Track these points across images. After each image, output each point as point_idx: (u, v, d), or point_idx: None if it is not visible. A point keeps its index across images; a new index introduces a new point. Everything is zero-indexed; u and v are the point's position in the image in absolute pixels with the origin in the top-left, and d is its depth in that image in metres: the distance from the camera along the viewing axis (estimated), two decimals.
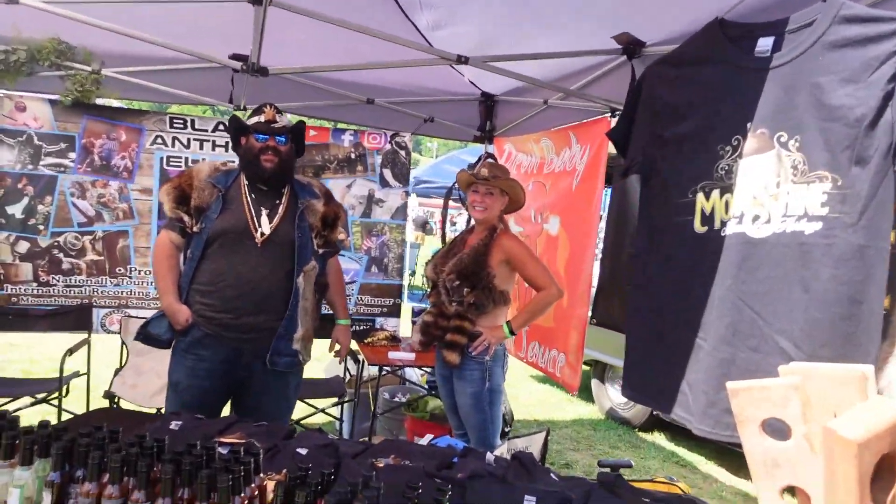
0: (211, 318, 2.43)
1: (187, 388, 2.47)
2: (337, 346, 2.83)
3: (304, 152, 2.74)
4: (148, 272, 4.01)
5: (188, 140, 4.02)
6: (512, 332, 2.86)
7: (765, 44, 1.38)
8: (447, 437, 2.26)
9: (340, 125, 4.32)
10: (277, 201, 2.53)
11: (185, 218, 2.46)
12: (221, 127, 4.06)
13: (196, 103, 4.00)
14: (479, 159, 3.06)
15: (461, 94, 4.31)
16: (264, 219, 2.48)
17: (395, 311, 4.38)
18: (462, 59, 2.65)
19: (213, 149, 4.06)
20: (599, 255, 3.17)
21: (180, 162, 4.02)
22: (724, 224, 1.48)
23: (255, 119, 2.53)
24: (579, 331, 3.15)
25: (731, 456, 4.37)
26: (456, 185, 3.14)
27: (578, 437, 4.69)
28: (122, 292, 4.01)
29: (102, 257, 3.95)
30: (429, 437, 2.05)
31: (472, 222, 3.11)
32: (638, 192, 2.78)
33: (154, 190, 3.99)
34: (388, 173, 4.33)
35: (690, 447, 4.59)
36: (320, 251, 2.61)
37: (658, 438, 4.78)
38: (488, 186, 2.91)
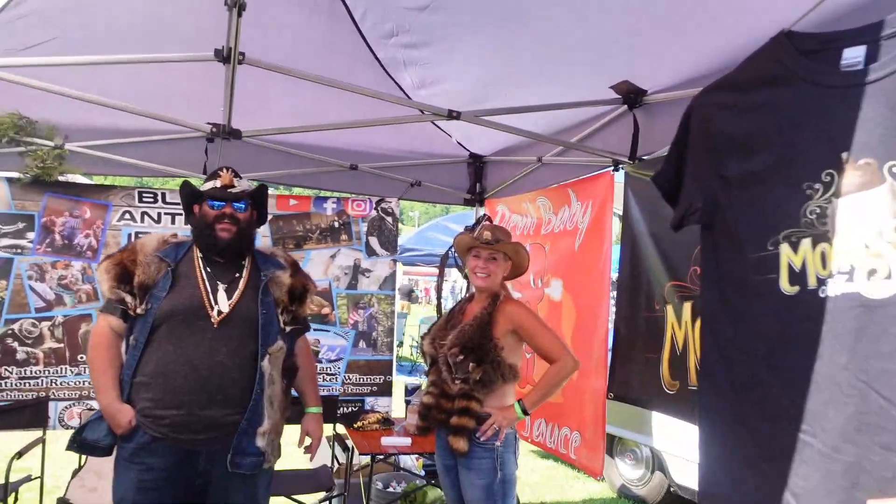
0: (158, 417, 2.08)
1: None
2: (307, 440, 2.45)
3: (265, 220, 2.49)
4: None
5: (158, 214, 3.76)
6: (525, 412, 2.53)
7: (854, 55, 1.14)
8: None
9: (323, 193, 4.10)
10: (237, 275, 2.26)
11: (128, 298, 2.14)
12: None
13: (167, 176, 3.76)
14: (478, 221, 2.81)
15: (449, 157, 4.14)
16: (221, 295, 2.19)
17: (386, 390, 4.03)
18: (453, 115, 2.46)
19: (186, 223, 3.78)
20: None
21: None
22: (822, 282, 1.17)
23: (209, 184, 2.29)
24: (597, 405, 2.84)
25: None
26: (452, 250, 2.88)
27: None
28: (83, 382, 3.62)
29: (62, 344, 3.59)
30: None
31: (470, 290, 2.83)
32: (649, 249, 2.57)
33: None
34: (374, 241, 4.08)
35: None
36: (287, 329, 2.31)
37: None
38: (491, 251, 2.66)
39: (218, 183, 2.27)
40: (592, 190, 3.03)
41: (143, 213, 3.73)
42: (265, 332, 2.19)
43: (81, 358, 3.62)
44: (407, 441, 3.32)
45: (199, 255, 2.25)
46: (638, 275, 2.64)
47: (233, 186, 2.27)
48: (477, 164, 4.17)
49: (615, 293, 2.75)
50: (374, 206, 4.08)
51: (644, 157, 2.67)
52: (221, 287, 2.20)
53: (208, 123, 3.52)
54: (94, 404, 3.58)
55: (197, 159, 3.72)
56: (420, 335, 2.90)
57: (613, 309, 2.88)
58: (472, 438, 2.52)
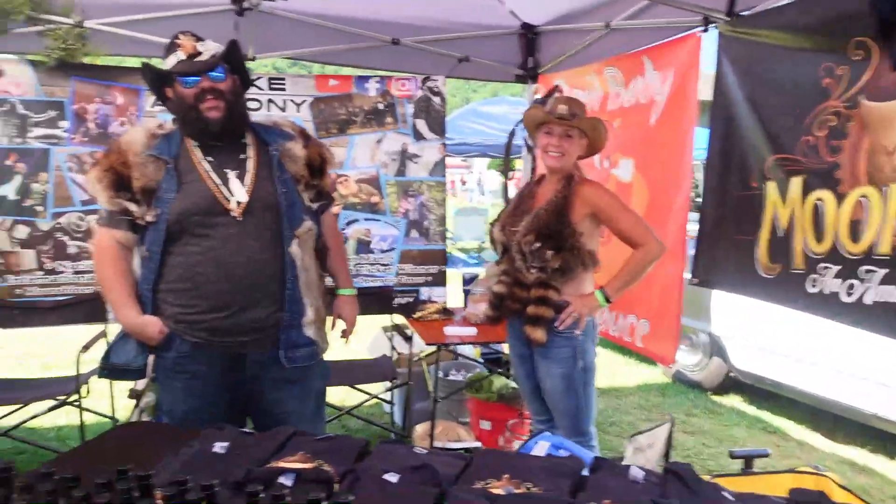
0: (195, 322, 1.94)
1: (186, 416, 1.96)
2: (341, 324, 2.25)
3: (249, 82, 2.14)
4: None
5: None
6: (607, 300, 2.38)
7: None
8: (546, 433, 1.81)
9: (364, 72, 3.79)
10: (242, 156, 2.00)
11: (131, 207, 1.91)
12: None
13: None
14: (549, 93, 2.53)
15: (498, 28, 3.76)
16: (234, 183, 1.95)
17: (440, 280, 3.91)
18: None
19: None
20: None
21: None
22: None
23: (172, 59, 1.94)
24: (671, 292, 2.68)
25: (822, 418, 3.94)
26: (520, 126, 2.62)
27: (648, 406, 4.27)
28: None
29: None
30: (543, 444, 1.61)
31: (536, 172, 2.61)
32: (747, 121, 2.28)
33: None
34: (421, 124, 3.81)
35: (774, 410, 4.13)
36: (314, 206, 2.09)
37: (736, 402, 4.35)
38: (566, 126, 2.40)
39: (181, 54, 1.92)
40: (673, 56, 2.70)
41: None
42: (290, 215, 1.98)
43: None
44: (472, 331, 3.24)
45: (194, 143, 1.98)
46: (730, 150, 2.38)
47: (198, 53, 1.92)
48: (529, 35, 3.79)
49: (702, 173, 2.50)
50: (420, 84, 3.78)
51: (743, 13, 2.32)
52: (231, 174, 1.95)
53: None
54: None
55: (227, 35, 3.41)
56: (489, 223, 2.70)
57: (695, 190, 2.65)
58: (551, 328, 2.40)
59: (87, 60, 3.30)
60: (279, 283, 1.97)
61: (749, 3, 2.31)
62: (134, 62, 3.71)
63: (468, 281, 3.78)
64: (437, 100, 3.81)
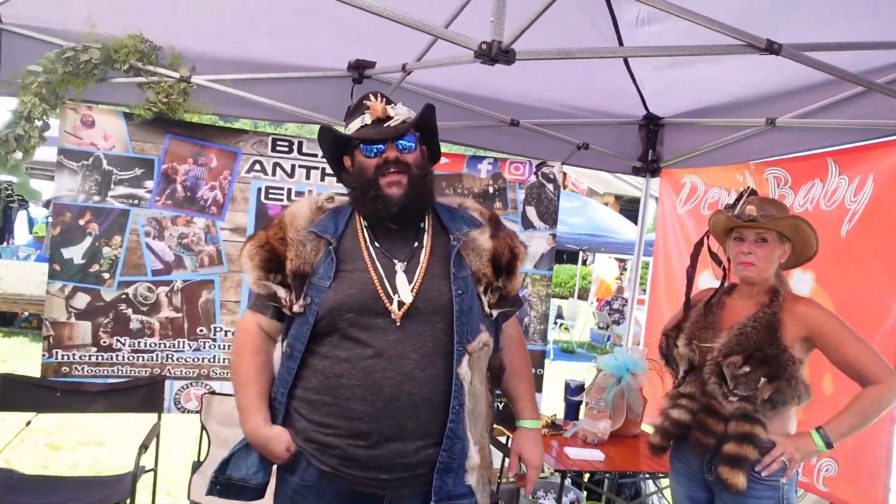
0: (327, 445, 1.58)
1: None
2: (518, 467, 1.81)
3: (439, 156, 1.79)
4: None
5: (292, 167, 3.18)
6: (829, 444, 1.96)
7: None
8: None
9: (477, 152, 3.49)
10: (416, 244, 1.66)
11: (280, 292, 1.63)
12: None
13: (305, 121, 3.18)
14: (739, 196, 2.21)
15: (620, 117, 3.52)
16: (401, 277, 1.60)
17: (537, 385, 3.47)
18: (774, 47, 1.82)
19: (323, 178, 3.21)
20: None
21: (281, 194, 3.16)
22: None
23: (356, 123, 1.66)
24: (876, 429, 2.26)
25: None
26: (707, 237, 2.27)
27: None
28: (203, 359, 3.10)
29: (181, 314, 3.05)
30: None
31: (724, 282, 2.24)
32: None
33: (248, 229, 3.12)
34: (531, 212, 3.48)
35: None
36: (493, 314, 1.69)
37: None
38: (759, 230, 2.06)
39: (368, 118, 1.65)
40: (872, 161, 2.40)
41: (276, 165, 3.16)
42: (462, 324, 1.59)
43: (201, 331, 3.08)
44: (600, 455, 2.77)
45: (364, 223, 1.67)
46: None
47: (389, 118, 1.64)
48: (651, 126, 3.54)
49: None
50: (534, 169, 3.48)
51: None
52: (399, 266, 1.62)
53: (357, 62, 2.96)
54: (217, 385, 3.08)
55: (342, 102, 3.13)
56: (664, 334, 2.30)
57: None
58: (751, 472, 1.97)
59: (187, 118, 2.98)
60: (440, 411, 1.56)
61: None
62: (238, 124, 3.42)
63: (573, 391, 3.34)
64: (550, 186, 3.50)
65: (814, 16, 2.09)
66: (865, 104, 2.42)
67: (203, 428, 2.93)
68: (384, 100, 1.68)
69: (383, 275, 1.59)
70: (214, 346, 3.10)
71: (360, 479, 1.56)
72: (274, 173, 3.15)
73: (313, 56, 3.01)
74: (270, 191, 3.15)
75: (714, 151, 3.18)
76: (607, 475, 3.39)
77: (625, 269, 12.13)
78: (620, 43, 2.72)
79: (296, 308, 1.61)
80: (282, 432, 1.63)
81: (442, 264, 1.63)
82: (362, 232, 1.67)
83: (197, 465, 2.87)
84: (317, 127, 3.19)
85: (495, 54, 1.63)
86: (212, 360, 3.10)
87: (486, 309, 1.66)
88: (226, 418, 2.89)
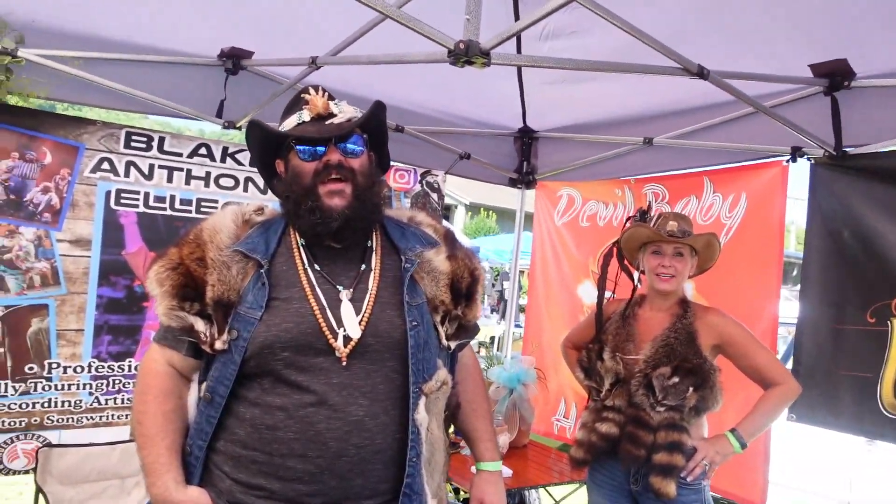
0: None
1: None
2: None
3: (388, 164, 1.59)
4: (79, 369, 2.55)
5: (151, 168, 2.69)
6: (743, 445, 2.10)
7: None
8: None
9: None
10: (362, 266, 1.43)
11: (198, 325, 1.35)
12: (204, 151, 2.80)
13: (169, 115, 2.71)
14: (645, 211, 2.32)
15: (497, 128, 3.55)
16: (346, 307, 1.36)
17: None
18: (703, 72, 1.92)
19: (188, 182, 2.77)
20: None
21: (137, 200, 2.66)
22: None
23: (291, 120, 1.43)
24: None
25: None
26: (615, 249, 2.33)
27: None
28: (33, 405, 2.49)
29: (2, 349, 2.42)
30: None
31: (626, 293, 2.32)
32: (860, 258, 2.26)
33: (94, 241, 2.57)
34: None
35: None
36: (451, 346, 1.51)
37: None
38: (677, 246, 2.18)
39: (306, 114, 1.40)
40: (746, 181, 2.67)
41: (129, 164, 2.65)
42: (418, 360, 1.38)
43: (31, 370, 2.47)
44: (507, 472, 2.72)
45: (300, 241, 1.43)
46: (836, 285, 2.33)
47: (332, 115, 1.40)
48: (524, 139, 3.62)
49: (801, 303, 2.42)
50: (418, 178, 3.35)
51: (847, 150, 2.36)
52: (344, 293, 1.38)
53: (231, 50, 2.61)
54: (54, 436, 2.49)
55: (213, 95, 2.74)
56: (585, 347, 2.31)
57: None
58: (678, 478, 2.05)
59: (12, 101, 2.37)
60: (394, 464, 1.36)
61: (854, 141, 2.35)
62: (81, 113, 2.82)
63: None
64: (434, 196, 3.41)
65: (711, 48, 2.25)
66: (738, 129, 2.68)
67: (39, 490, 2.34)
68: (326, 94, 1.44)
69: (325, 305, 1.35)
70: (49, 386, 2.50)
71: None
72: (127, 174, 2.64)
73: (180, 39, 2.57)
74: (123, 195, 2.64)
75: (593, 166, 3.33)
76: None
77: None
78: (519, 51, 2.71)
79: (218, 345, 1.33)
80: (199, 495, 1.34)
81: (393, 291, 1.41)
82: (299, 251, 1.41)
83: None
84: (181, 122, 2.79)
85: (472, 56, 1.48)
86: (46, 404, 2.50)
87: (444, 341, 1.48)
88: (69, 475, 2.36)
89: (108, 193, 2.60)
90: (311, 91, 1.43)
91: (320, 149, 1.37)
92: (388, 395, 1.36)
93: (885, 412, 2.15)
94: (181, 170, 2.75)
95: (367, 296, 1.39)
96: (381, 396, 1.35)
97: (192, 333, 1.34)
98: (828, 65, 2.29)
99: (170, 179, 2.73)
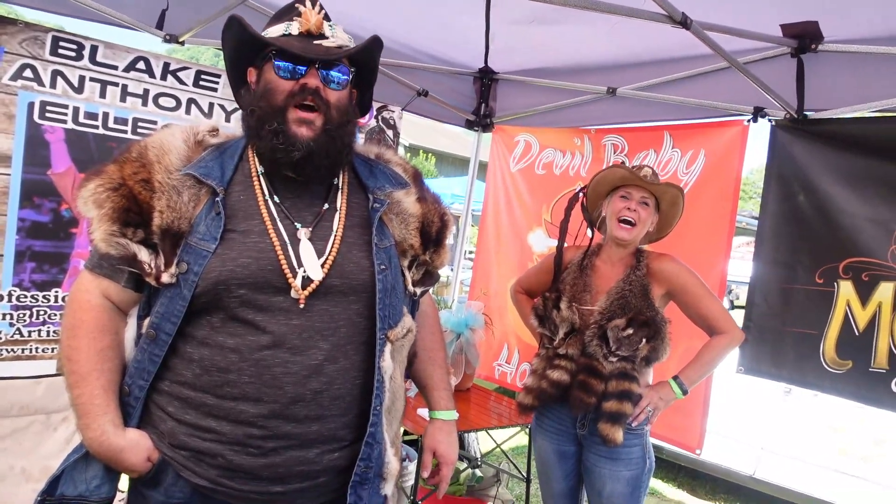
0: (205, 453, 1.25)
1: None
2: (432, 463, 1.58)
3: (369, 106, 1.49)
4: None
5: (81, 80, 2.43)
6: (685, 391, 2.17)
7: None
8: None
9: None
10: (326, 205, 1.34)
11: (142, 254, 1.23)
12: (142, 65, 2.54)
13: (102, 21, 2.43)
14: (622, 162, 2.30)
15: (456, 66, 3.42)
16: (306, 246, 1.28)
17: None
18: (687, 21, 1.86)
19: (123, 99, 2.52)
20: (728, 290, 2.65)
21: (65, 115, 2.41)
22: None
23: (278, 28, 1.29)
24: None
25: (701, 479, 4.23)
26: (583, 190, 2.31)
27: None
28: None
29: None
30: None
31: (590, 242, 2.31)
32: (814, 221, 2.32)
33: (14, 158, 2.32)
34: None
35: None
36: (417, 293, 1.47)
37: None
38: (644, 195, 2.17)
39: (295, 27, 1.28)
40: (706, 139, 2.68)
41: (56, 74, 2.37)
42: (385, 306, 1.32)
43: None
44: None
45: (260, 169, 1.32)
46: (784, 245, 2.40)
47: (321, 36, 1.29)
48: (484, 80, 3.50)
49: (754, 262, 2.48)
50: (374, 113, 3.20)
51: (808, 113, 2.39)
52: (302, 231, 1.29)
53: None
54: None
55: (151, 4, 2.49)
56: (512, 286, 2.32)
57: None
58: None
59: None
60: (352, 411, 1.31)
61: (816, 105, 2.38)
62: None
63: None
64: (390, 133, 3.27)
65: None
66: (701, 85, 2.67)
67: None
68: (322, 12, 1.32)
69: (286, 239, 1.27)
70: None
71: (247, 493, 1.25)
72: (53, 85, 2.37)
73: None
74: (48, 108, 2.37)
75: (552, 113, 3.27)
76: None
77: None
78: None
79: (165, 278, 1.23)
80: (140, 438, 1.26)
81: (360, 231, 1.35)
82: (259, 180, 1.31)
83: None
84: (121, 31, 2.51)
85: None
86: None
87: (410, 287, 1.43)
88: None
89: (31, 105, 2.33)
90: (308, 3, 1.30)
91: (301, 68, 1.26)
92: (350, 340, 1.30)
93: (826, 366, 2.27)
94: (115, 84, 2.49)
95: (332, 236, 1.31)
96: (343, 341, 1.29)
97: (135, 263, 1.23)
98: (799, 26, 2.28)
99: (102, 94, 2.47)
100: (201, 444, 1.24)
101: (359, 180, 1.40)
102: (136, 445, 1.24)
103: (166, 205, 1.22)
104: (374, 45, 1.34)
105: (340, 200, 1.35)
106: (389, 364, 1.33)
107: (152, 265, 1.23)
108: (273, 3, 2.53)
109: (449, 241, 1.55)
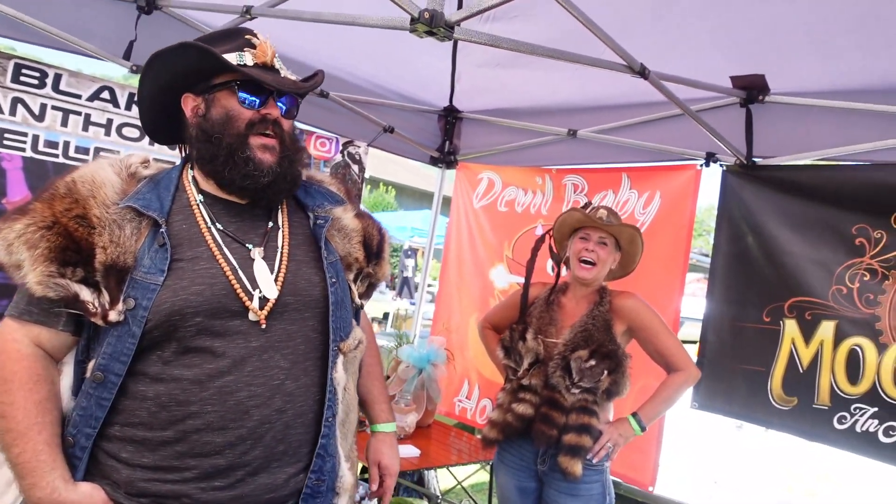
0: (170, 496, 1.21)
1: None
2: (376, 477, 1.61)
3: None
4: None
5: (42, 108, 2.40)
6: (643, 428, 2.22)
7: None
8: None
9: None
10: (270, 225, 1.36)
11: (83, 293, 1.18)
12: (106, 94, 2.52)
13: (67, 49, 2.41)
14: (587, 203, 2.38)
15: (423, 104, 3.49)
16: (260, 266, 1.30)
17: None
18: (645, 72, 1.97)
19: (86, 128, 2.49)
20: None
21: (24, 143, 2.37)
22: None
23: (230, 57, 1.27)
24: None
25: None
26: (549, 233, 2.37)
27: None
28: None
29: None
30: None
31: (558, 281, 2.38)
32: (760, 261, 2.43)
33: None
34: None
35: None
36: (363, 304, 1.52)
37: None
38: (602, 234, 2.25)
39: (249, 58, 1.28)
40: (661, 181, 2.79)
41: (17, 102, 2.34)
42: (337, 318, 1.36)
43: None
44: (415, 451, 2.71)
45: (199, 198, 1.32)
46: (735, 284, 2.51)
47: (273, 69, 1.31)
48: (449, 118, 3.59)
49: (707, 300, 2.58)
50: (340, 147, 3.23)
51: (756, 160, 2.53)
52: (256, 252, 1.31)
53: None
54: None
55: (122, 35, 2.48)
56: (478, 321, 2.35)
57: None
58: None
59: None
60: (313, 427, 1.33)
61: (763, 152, 2.52)
62: None
63: None
64: (355, 168, 3.30)
65: (643, 49, 2.31)
66: (657, 130, 2.80)
67: None
68: (272, 47, 1.34)
69: (237, 265, 1.28)
70: None
71: None
72: (13, 112, 2.33)
73: None
74: (6, 135, 2.33)
75: (515, 152, 3.36)
76: None
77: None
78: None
79: (112, 316, 1.19)
80: (93, 491, 1.20)
81: (306, 248, 1.38)
82: (199, 209, 1.31)
83: None
84: (86, 60, 2.49)
85: (436, 27, 1.42)
86: None
87: (357, 300, 1.47)
88: None
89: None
90: (260, 37, 1.33)
91: (262, 99, 1.29)
92: (307, 356, 1.32)
93: (773, 403, 2.35)
94: (78, 114, 2.47)
95: (279, 254, 1.33)
96: (301, 357, 1.31)
97: (76, 304, 1.18)
98: (748, 78, 2.43)
99: (64, 123, 2.44)
100: (162, 487, 1.20)
101: (296, 200, 1.43)
102: (90, 499, 1.19)
103: (109, 240, 1.19)
104: (320, 80, 1.41)
105: (282, 219, 1.38)
106: (342, 375, 1.36)
107: (96, 304, 1.18)
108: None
109: (387, 253, 1.60)
